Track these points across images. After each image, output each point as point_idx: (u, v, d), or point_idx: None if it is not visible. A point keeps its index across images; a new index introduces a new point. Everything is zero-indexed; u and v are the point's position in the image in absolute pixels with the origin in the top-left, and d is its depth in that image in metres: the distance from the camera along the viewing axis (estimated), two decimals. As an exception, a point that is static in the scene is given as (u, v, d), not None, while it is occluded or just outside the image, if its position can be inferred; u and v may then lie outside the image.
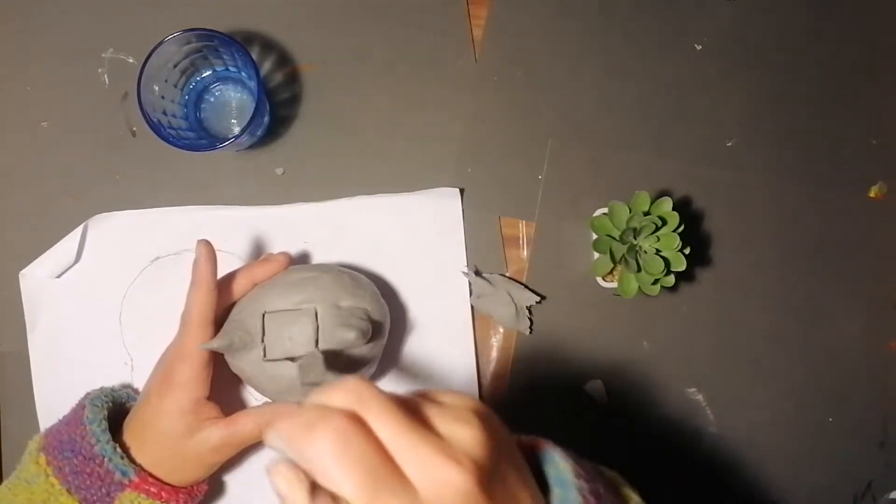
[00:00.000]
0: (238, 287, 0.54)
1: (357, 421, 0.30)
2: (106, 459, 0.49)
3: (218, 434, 0.50)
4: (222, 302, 0.53)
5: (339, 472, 0.28)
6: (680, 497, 0.62)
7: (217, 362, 0.54)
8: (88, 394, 0.55)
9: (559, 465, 0.36)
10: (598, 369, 0.62)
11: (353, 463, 0.28)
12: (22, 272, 0.60)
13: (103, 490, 0.48)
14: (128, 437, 0.51)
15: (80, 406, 0.53)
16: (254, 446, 0.59)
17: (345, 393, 0.30)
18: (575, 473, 0.36)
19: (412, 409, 0.31)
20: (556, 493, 0.35)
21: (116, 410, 0.54)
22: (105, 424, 0.50)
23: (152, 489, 0.49)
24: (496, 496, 0.30)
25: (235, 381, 0.57)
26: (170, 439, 0.50)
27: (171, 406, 0.50)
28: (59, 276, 0.60)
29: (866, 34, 0.66)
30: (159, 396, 0.50)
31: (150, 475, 0.50)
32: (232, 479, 0.59)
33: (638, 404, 0.62)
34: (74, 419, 0.51)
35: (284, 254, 0.56)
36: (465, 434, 0.31)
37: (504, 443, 0.33)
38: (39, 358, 0.60)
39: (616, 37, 0.64)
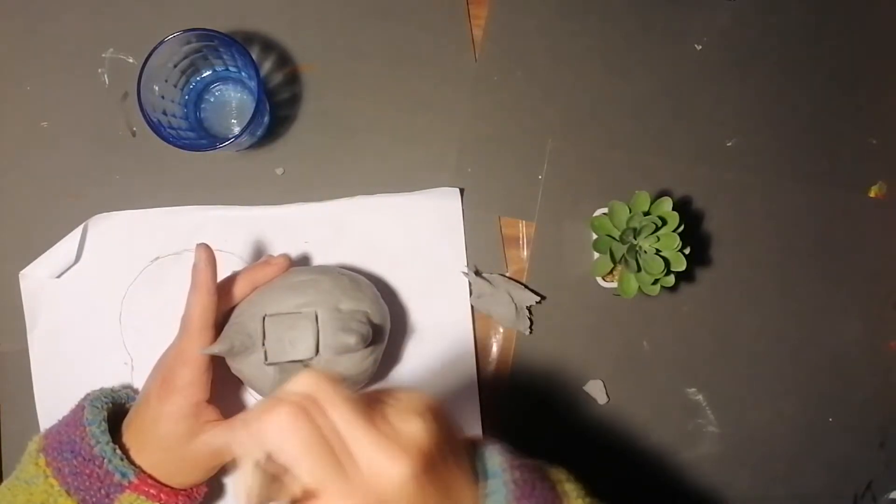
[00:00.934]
0: (238, 290, 0.54)
1: (312, 403, 0.33)
2: (105, 461, 0.48)
3: (218, 437, 0.50)
4: (222, 305, 0.53)
5: (292, 446, 0.32)
6: (680, 497, 0.62)
7: (217, 364, 0.54)
8: (88, 394, 0.55)
9: (494, 458, 0.39)
10: (598, 369, 0.62)
11: (304, 438, 0.32)
12: (22, 272, 0.60)
13: (102, 491, 0.48)
14: (127, 438, 0.51)
15: (80, 407, 0.53)
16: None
17: (303, 382, 0.34)
18: (509, 465, 0.38)
19: (369, 400, 0.35)
20: (489, 483, 0.38)
21: (116, 411, 0.54)
22: (105, 426, 0.50)
23: (151, 491, 0.49)
24: (432, 485, 0.34)
25: (236, 384, 0.57)
26: (170, 443, 0.50)
27: (171, 410, 0.50)
28: (59, 276, 0.60)
29: (866, 34, 0.66)
30: (159, 400, 0.50)
31: (150, 477, 0.50)
32: (232, 481, 0.59)
33: (638, 404, 0.62)
34: (74, 420, 0.51)
35: (284, 256, 0.56)
36: (414, 425, 0.34)
37: (451, 436, 0.36)
38: (39, 358, 0.60)
39: (616, 37, 0.64)
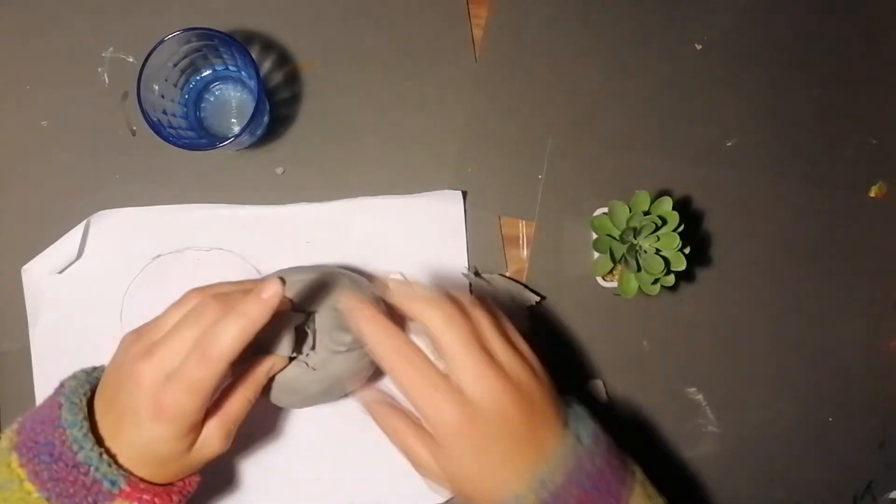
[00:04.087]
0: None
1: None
2: (92, 469, 0.43)
3: (217, 433, 0.47)
4: None
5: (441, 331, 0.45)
6: (680, 497, 0.62)
7: None
8: (63, 384, 0.48)
9: (580, 408, 0.49)
10: (598, 369, 0.62)
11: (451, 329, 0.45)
12: (25, 267, 0.60)
13: (90, 499, 0.43)
14: (115, 444, 0.45)
15: (55, 404, 0.46)
16: (264, 439, 0.59)
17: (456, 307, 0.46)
18: (592, 418, 0.48)
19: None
20: (574, 425, 0.47)
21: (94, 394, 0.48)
22: (87, 426, 0.45)
23: (145, 496, 0.45)
24: (521, 417, 0.45)
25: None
26: (171, 459, 0.46)
27: (167, 434, 0.45)
28: (61, 272, 0.60)
29: (866, 34, 0.66)
30: (153, 421, 0.44)
31: (142, 480, 0.45)
32: (246, 467, 0.59)
33: (638, 404, 0.62)
34: (50, 418, 0.45)
35: (275, 283, 0.46)
36: (522, 370, 0.46)
37: (546, 382, 0.49)
38: (41, 353, 0.60)
39: (616, 36, 0.64)
